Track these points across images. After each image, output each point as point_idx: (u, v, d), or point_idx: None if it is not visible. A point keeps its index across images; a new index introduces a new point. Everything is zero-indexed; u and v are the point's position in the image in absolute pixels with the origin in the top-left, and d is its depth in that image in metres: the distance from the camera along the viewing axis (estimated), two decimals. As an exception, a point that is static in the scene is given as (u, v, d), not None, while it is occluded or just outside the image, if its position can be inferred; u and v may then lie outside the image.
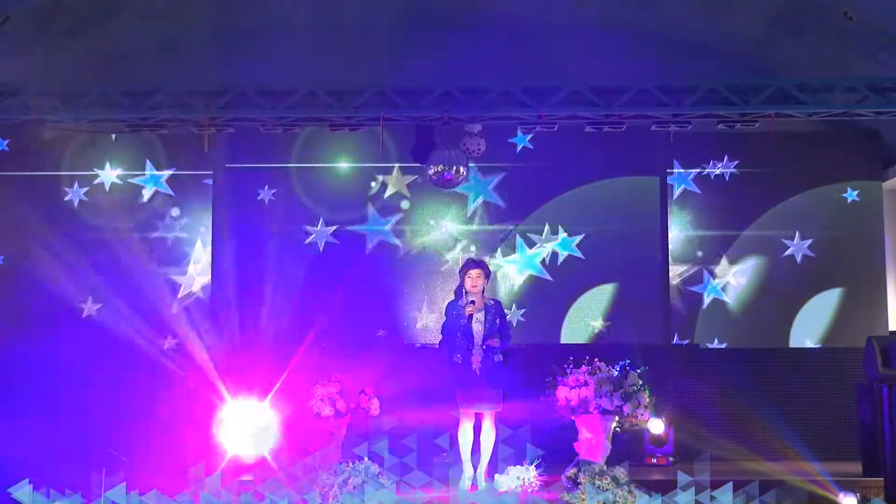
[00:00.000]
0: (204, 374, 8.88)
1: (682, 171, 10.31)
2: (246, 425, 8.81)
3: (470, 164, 9.02)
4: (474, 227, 10.34)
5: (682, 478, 7.20)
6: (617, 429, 8.30)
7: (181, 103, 8.59)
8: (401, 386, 8.71)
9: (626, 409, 8.23)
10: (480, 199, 10.34)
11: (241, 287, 10.04)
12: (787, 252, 10.24)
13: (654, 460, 9.24)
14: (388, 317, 10.22)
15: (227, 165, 10.28)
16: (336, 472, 7.58)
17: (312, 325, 9.77)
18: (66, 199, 10.26)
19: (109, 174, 10.27)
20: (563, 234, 10.28)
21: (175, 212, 10.26)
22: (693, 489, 7.28)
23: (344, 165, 10.37)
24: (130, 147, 10.19)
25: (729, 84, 8.63)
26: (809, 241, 10.24)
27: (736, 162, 10.31)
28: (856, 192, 10.24)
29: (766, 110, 8.61)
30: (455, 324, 7.93)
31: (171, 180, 10.29)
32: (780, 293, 10.22)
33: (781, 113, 8.65)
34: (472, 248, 10.28)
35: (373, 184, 10.32)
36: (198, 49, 9.58)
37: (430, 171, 8.79)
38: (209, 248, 10.26)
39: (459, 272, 8.09)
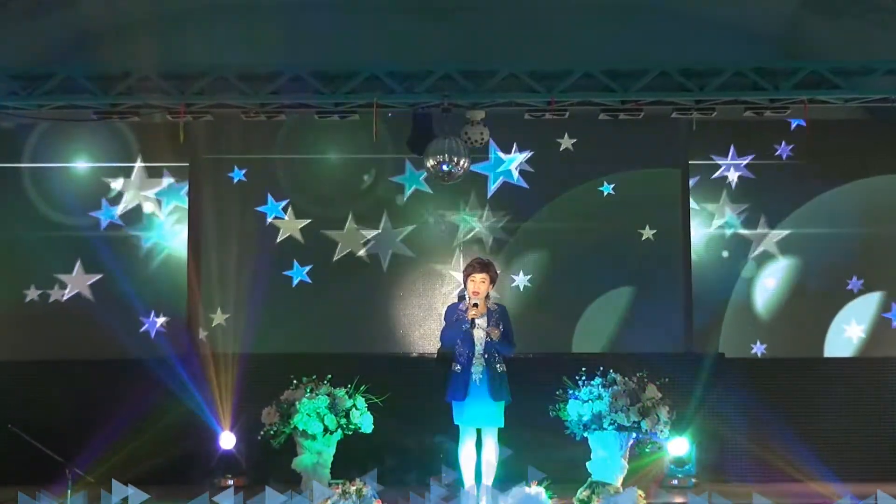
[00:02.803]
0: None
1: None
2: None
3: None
4: (475, 223, 10.33)
5: (706, 501, 7.20)
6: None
7: (154, 88, 8.59)
8: (396, 400, 8.72)
9: (645, 425, 8.23)
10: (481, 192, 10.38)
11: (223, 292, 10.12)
12: (820, 252, 10.23)
13: (676, 481, 9.24)
14: (382, 321, 10.23)
15: (204, 157, 10.28)
16: (324, 494, 7.58)
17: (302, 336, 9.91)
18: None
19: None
20: (571, 232, 10.28)
21: (148, 207, 10.25)
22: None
23: (333, 156, 10.36)
24: (98, 137, 10.17)
25: (757, 67, 8.67)
26: (845, 240, 10.23)
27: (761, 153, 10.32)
28: (897, 186, 10.30)
29: (798, 96, 8.65)
30: (455, 329, 7.92)
31: (143, 173, 10.27)
32: (814, 297, 10.21)
33: (815, 99, 8.69)
34: (474, 246, 10.27)
35: (365, 177, 10.32)
36: (172, 29, 9.59)
37: (429, 164, 8.80)
38: (185, 246, 10.25)
39: (464, 272, 8.08)
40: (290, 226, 10.31)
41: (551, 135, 10.29)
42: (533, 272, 10.32)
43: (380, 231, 10.34)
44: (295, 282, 10.25)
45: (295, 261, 10.26)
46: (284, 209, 10.31)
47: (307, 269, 10.26)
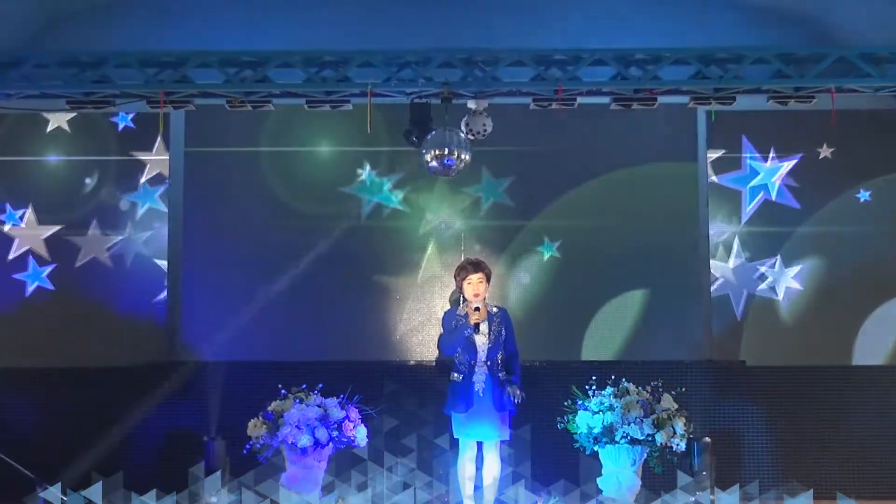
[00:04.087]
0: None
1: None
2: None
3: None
4: (477, 221, 10.33)
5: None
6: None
7: (131, 75, 8.61)
8: (392, 411, 8.72)
9: (660, 438, 8.21)
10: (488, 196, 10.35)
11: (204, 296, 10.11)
12: (851, 252, 10.21)
13: (693, 498, 9.21)
14: (374, 330, 10.22)
15: (186, 150, 10.24)
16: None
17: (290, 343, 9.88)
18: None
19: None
20: (582, 231, 10.26)
21: (124, 205, 10.23)
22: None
23: (324, 149, 10.35)
24: (70, 127, 10.17)
25: (781, 53, 8.66)
26: (877, 239, 10.20)
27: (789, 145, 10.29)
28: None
29: (824, 84, 8.65)
30: (456, 336, 7.89)
31: (119, 167, 10.25)
32: (843, 301, 10.19)
33: (843, 87, 8.67)
34: (476, 246, 10.26)
35: (359, 171, 10.30)
36: (151, 12, 9.57)
37: (427, 157, 8.77)
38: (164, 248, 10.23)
39: (456, 277, 8.05)
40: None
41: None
42: (538, 273, 10.31)
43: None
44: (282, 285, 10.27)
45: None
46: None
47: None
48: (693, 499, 8.32)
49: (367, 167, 10.29)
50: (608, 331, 10.17)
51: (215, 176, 10.20)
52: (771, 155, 10.26)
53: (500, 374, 7.94)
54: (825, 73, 8.61)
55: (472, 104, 8.90)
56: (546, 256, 10.22)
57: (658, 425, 8.25)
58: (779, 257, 10.22)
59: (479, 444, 8.00)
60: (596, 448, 8.31)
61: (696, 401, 9.25)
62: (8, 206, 10.14)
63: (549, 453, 8.91)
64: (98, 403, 9.57)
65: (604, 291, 10.22)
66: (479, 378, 7.90)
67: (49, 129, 10.11)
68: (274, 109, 9.25)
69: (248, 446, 8.46)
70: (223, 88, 8.69)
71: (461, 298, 8.03)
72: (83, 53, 8.68)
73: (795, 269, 10.24)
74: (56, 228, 10.13)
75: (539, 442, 8.89)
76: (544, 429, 8.63)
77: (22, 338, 9.94)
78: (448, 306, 8.86)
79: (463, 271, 7.99)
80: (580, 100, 8.97)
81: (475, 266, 7.97)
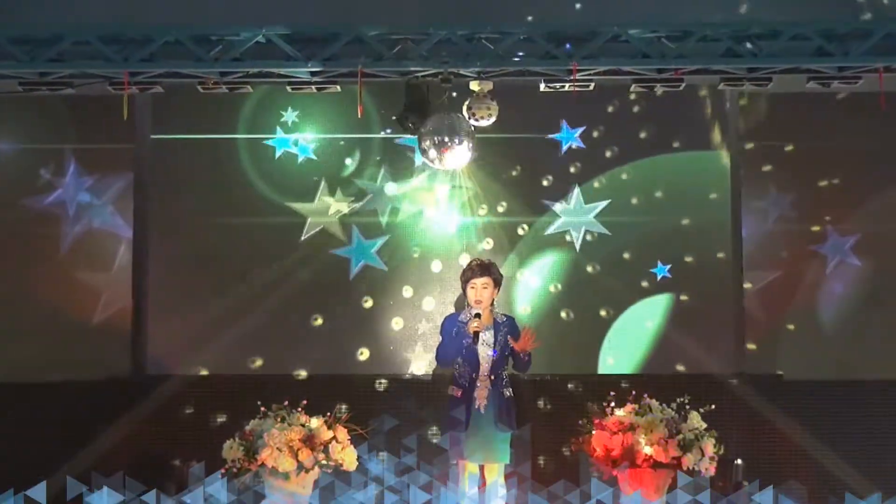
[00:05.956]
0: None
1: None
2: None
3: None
4: (481, 218, 10.28)
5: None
6: None
7: (92, 54, 8.59)
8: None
9: (686, 461, 8.12)
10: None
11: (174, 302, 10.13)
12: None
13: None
14: (365, 340, 10.18)
15: (152, 136, 10.25)
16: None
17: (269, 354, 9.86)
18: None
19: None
20: (597, 229, 10.21)
21: (84, 197, 10.16)
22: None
23: (308, 137, 10.30)
24: (23, 112, 10.13)
25: (823, 28, 8.61)
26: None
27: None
28: None
29: (872, 63, 8.60)
30: (455, 345, 7.85)
31: (79, 156, 10.23)
32: (893, 307, 10.10)
33: (892, 67, 8.65)
34: (481, 246, 10.19)
35: (348, 161, 10.25)
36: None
37: (425, 144, 8.72)
38: (130, 246, 10.24)
39: (461, 279, 8.00)
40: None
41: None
42: (548, 275, 10.23)
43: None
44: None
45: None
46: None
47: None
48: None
49: (358, 156, 10.24)
50: (628, 341, 10.14)
51: (186, 166, 10.18)
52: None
53: (504, 390, 7.90)
54: (872, 51, 8.55)
55: (475, 85, 8.81)
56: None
57: (684, 447, 8.20)
58: (818, 258, 10.22)
59: (481, 469, 7.97)
60: (615, 473, 8.28)
61: (728, 419, 9.21)
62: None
63: (561, 478, 8.84)
64: (52, 421, 9.58)
65: (623, 296, 10.18)
66: (481, 393, 7.91)
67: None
68: (252, 92, 9.25)
69: (223, 471, 8.40)
70: (194, 68, 8.65)
71: (466, 304, 8.00)
72: (37, 29, 8.67)
73: (839, 273, 10.20)
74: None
75: (550, 465, 8.85)
76: (556, 450, 8.58)
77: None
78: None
79: (468, 272, 8.05)
80: (597, 80, 8.93)
81: (482, 269, 7.99)
